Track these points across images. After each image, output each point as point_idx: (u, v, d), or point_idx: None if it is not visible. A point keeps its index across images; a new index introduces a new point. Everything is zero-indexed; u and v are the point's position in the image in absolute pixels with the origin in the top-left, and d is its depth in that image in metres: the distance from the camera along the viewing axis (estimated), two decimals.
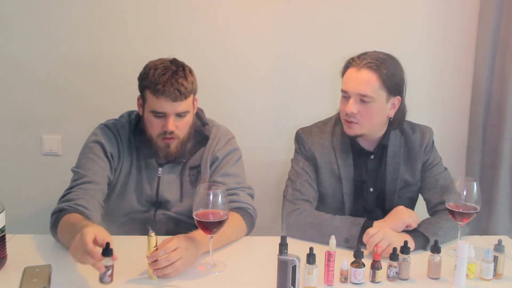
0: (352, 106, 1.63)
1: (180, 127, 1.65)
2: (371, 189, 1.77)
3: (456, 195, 1.46)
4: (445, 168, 1.81)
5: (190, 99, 1.65)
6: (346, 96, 1.66)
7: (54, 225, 1.52)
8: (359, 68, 1.62)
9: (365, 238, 1.48)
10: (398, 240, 1.44)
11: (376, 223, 1.56)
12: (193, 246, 1.40)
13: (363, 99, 1.62)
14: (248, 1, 2.30)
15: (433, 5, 2.33)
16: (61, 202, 1.58)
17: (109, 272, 1.21)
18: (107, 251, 1.21)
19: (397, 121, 1.73)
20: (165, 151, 1.67)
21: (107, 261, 1.21)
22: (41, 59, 2.32)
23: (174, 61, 1.66)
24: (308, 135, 1.80)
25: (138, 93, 1.69)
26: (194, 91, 1.67)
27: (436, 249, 1.37)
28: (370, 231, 1.48)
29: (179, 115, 1.63)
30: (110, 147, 1.71)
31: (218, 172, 1.73)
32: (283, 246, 1.27)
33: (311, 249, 1.29)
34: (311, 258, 1.28)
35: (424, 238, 1.54)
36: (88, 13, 2.28)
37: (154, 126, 1.64)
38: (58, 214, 1.54)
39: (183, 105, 1.62)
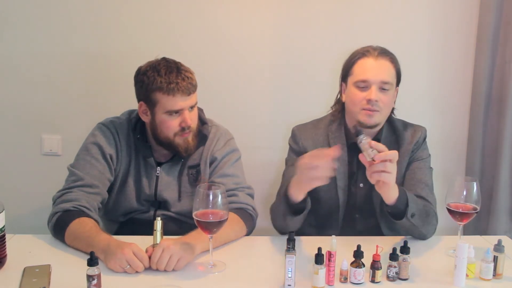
0: (376, 94, 1.65)
1: (193, 119, 1.69)
2: (361, 185, 1.78)
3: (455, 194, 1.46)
4: (431, 168, 1.80)
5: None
6: (365, 86, 1.67)
7: (60, 226, 1.52)
8: (376, 57, 1.67)
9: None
10: None
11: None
12: (181, 252, 1.38)
13: (384, 87, 1.66)
14: (248, 1, 2.30)
15: (433, 5, 2.33)
16: (61, 202, 1.57)
17: (94, 282, 1.20)
18: (91, 260, 1.20)
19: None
20: (185, 146, 1.69)
21: (92, 270, 1.20)
22: (41, 59, 2.31)
23: (167, 59, 1.67)
24: (302, 131, 1.83)
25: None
26: None
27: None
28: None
29: (191, 107, 1.66)
30: (108, 148, 1.71)
31: (216, 173, 1.74)
32: (290, 241, 1.27)
33: (319, 249, 1.28)
34: (319, 258, 1.27)
35: (406, 202, 1.52)
36: (88, 12, 2.28)
37: (170, 126, 1.65)
38: (62, 214, 1.53)
39: (194, 97, 1.66)
